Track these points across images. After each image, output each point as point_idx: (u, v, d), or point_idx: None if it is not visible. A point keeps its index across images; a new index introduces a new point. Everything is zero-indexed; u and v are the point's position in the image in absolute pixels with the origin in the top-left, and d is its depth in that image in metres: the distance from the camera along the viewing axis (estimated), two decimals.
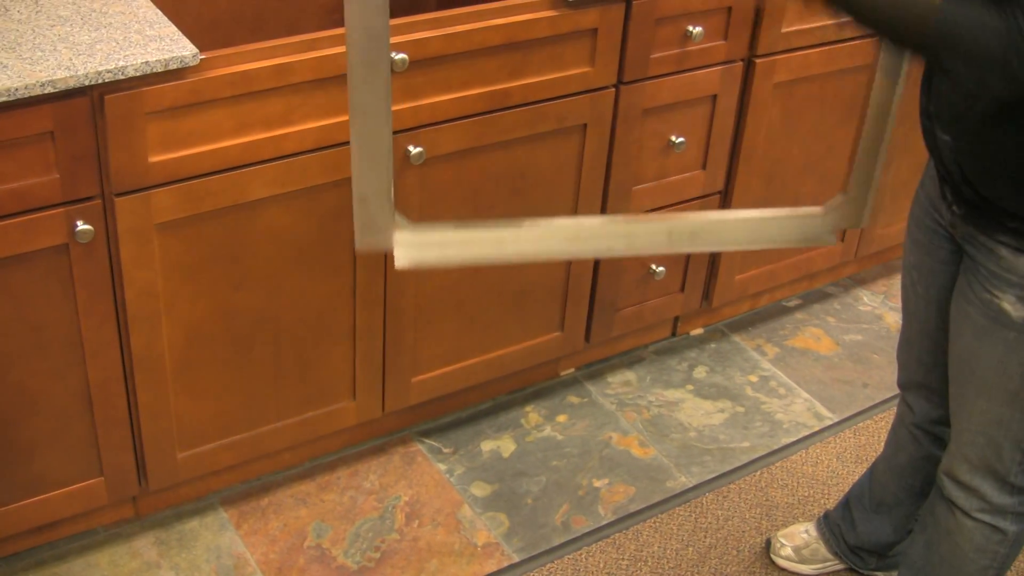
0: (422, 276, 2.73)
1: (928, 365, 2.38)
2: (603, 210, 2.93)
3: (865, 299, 3.69)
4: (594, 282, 3.04)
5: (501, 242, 1.98)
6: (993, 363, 2.08)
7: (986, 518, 2.22)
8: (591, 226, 2.10)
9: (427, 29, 2.46)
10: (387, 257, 2.64)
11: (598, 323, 3.12)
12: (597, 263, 2.99)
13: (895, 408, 2.56)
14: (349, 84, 1.75)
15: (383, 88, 1.76)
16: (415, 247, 1.91)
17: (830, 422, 3.20)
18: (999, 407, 2.11)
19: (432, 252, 1.95)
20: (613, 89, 2.77)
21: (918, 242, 2.26)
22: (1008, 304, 2.01)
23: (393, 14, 2.20)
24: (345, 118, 2.43)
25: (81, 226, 2.26)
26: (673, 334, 3.46)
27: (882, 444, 2.63)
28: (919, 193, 2.27)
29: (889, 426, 2.65)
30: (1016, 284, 2.00)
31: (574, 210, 2.87)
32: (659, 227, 2.06)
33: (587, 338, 3.14)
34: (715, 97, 2.95)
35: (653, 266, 3.11)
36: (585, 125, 2.77)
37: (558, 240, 2.03)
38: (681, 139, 2.93)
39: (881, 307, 3.65)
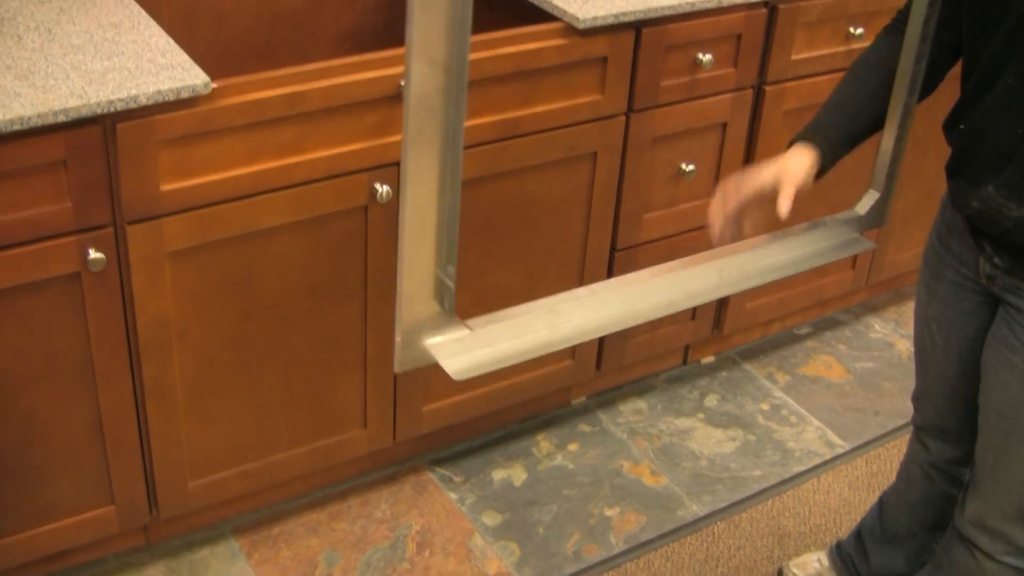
0: None
1: (945, 410, 2.35)
2: (614, 237, 2.93)
3: (876, 326, 3.69)
4: None
5: (555, 324, 1.81)
6: None
7: (1012, 560, 2.18)
8: (640, 282, 1.92)
9: None
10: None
11: (609, 351, 3.12)
12: None
13: (906, 437, 2.55)
14: (404, 152, 1.53)
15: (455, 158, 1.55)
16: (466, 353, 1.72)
17: (842, 450, 3.19)
18: None
19: (485, 353, 1.75)
20: (623, 117, 2.77)
21: (937, 294, 2.23)
22: None
23: (404, 43, 2.19)
24: (356, 146, 2.43)
25: (93, 254, 2.26)
26: (684, 362, 3.46)
27: (895, 472, 2.62)
28: (935, 245, 2.23)
29: (902, 454, 2.64)
30: None
31: (585, 238, 2.87)
32: (709, 269, 1.97)
33: (598, 366, 3.14)
34: (725, 125, 2.95)
35: None
36: (595, 153, 2.77)
37: (614, 307, 1.86)
38: (691, 167, 2.94)
39: (892, 334, 3.65)
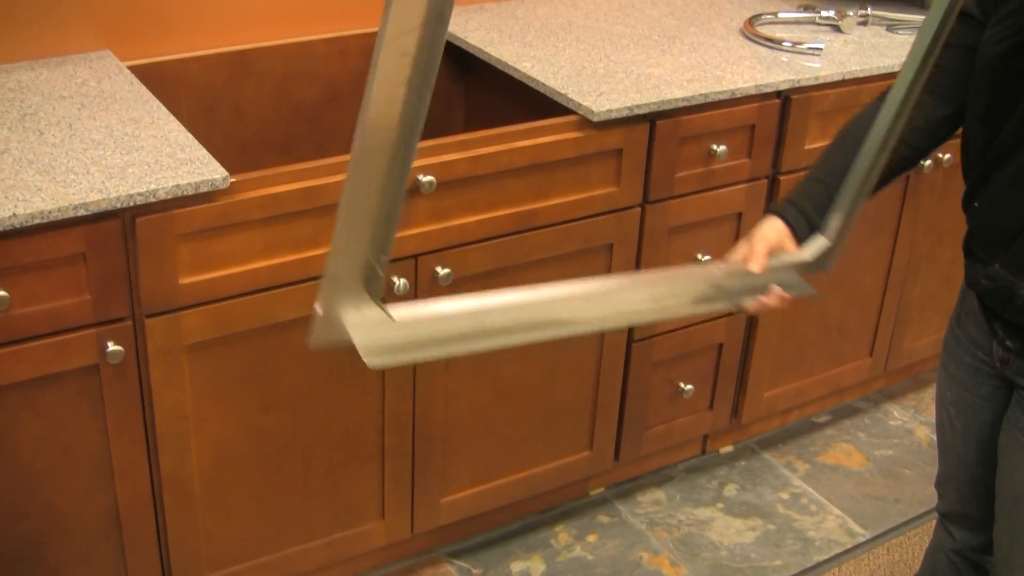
0: (451, 397, 2.73)
1: (967, 497, 2.33)
2: (631, 328, 2.93)
3: (895, 413, 3.67)
4: (623, 401, 3.04)
5: (480, 322, 1.77)
6: None
7: None
8: (574, 294, 1.87)
9: (454, 151, 2.49)
10: (416, 378, 2.65)
11: (627, 442, 3.12)
12: (625, 382, 3.00)
13: (929, 524, 2.53)
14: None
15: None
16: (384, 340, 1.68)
17: (863, 539, 3.17)
18: None
19: (404, 341, 1.72)
20: (639, 208, 2.79)
21: (956, 378, 2.22)
22: None
23: (420, 137, 2.21)
24: None
25: (112, 347, 2.28)
26: (703, 452, 3.45)
27: (917, 561, 2.60)
28: (955, 331, 2.22)
29: (924, 543, 2.62)
30: None
31: (600, 329, 2.87)
32: (644, 292, 1.95)
33: (616, 457, 3.13)
34: (740, 215, 2.97)
35: (681, 384, 3.11)
36: (611, 244, 2.78)
37: (541, 313, 1.83)
38: (707, 257, 2.95)
39: (912, 421, 3.64)
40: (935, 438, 2.39)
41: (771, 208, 2.11)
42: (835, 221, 2.05)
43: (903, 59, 1.99)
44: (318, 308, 1.64)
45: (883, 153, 1.97)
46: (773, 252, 2.03)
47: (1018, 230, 1.92)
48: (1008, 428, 2.10)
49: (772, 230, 2.05)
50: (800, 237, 2.07)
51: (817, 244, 2.07)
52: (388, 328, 1.68)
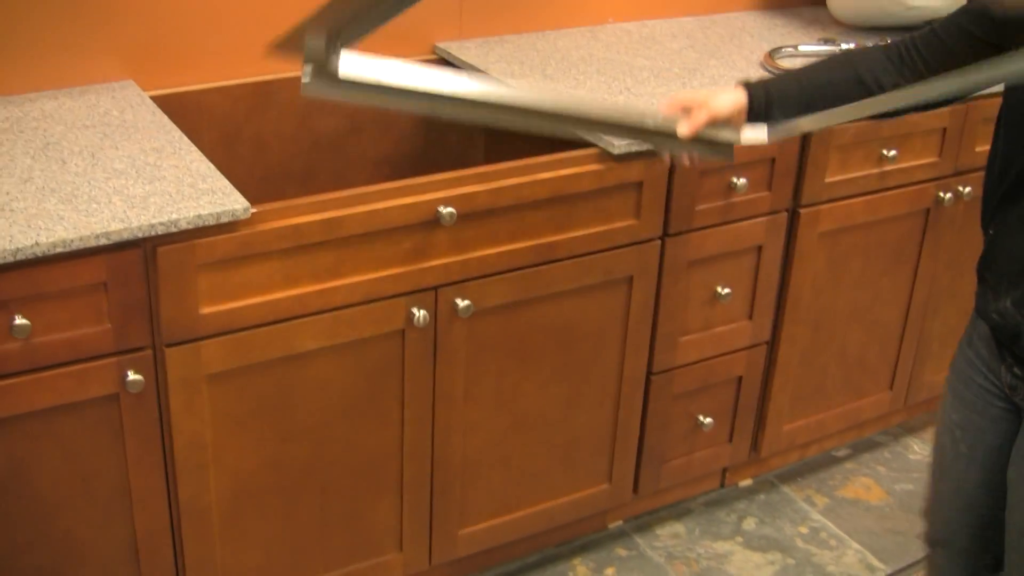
0: (469, 428, 2.73)
1: (956, 524, 2.32)
2: (650, 361, 2.93)
3: (915, 447, 3.66)
4: (642, 433, 3.03)
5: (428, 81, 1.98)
6: None
7: None
8: (527, 91, 2.08)
9: (475, 183, 2.49)
10: (435, 409, 2.66)
11: (646, 475, 3.11)
12: (645, 414, 2.99)
13: None
14: None
15: None
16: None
17: (883, 574, 3.16)
18: None
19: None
20: (659, 241, 2.79)
21: (964, 400, 2.21)
22: None
23: (441, 168, 2.24)
24: (393, 271, 2.45)
25: (131, 376, 2.28)
26: (722, 485, 3.44)
27: None
28: (966, 352, 2.22)
29: None
30: None
31: (621, 362, 2.87)
32: (617, 114, 2.12)
33: (635, 490, 3.13)
34: (760, 247, 2.97)
35: (701, 417, 3.11)
36: (631, 277, 2.78)
37: (481, 93, 2.02)
38: (727, 290, 2.95)
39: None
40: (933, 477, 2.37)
41: (745, 82, 2.23)
42: (784, 127, 2.17)
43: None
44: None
45: (864, 111, 2.06)
46: (712, 123, 2.19)
47: None
48: (1017, 460, 2.10)
49: (731, 103, 2.19)
50: (753, 118, 2.21)
51: (756, 134, 2.19)
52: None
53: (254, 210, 2.28)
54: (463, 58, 3.07)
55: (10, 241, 2.09)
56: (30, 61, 2.71)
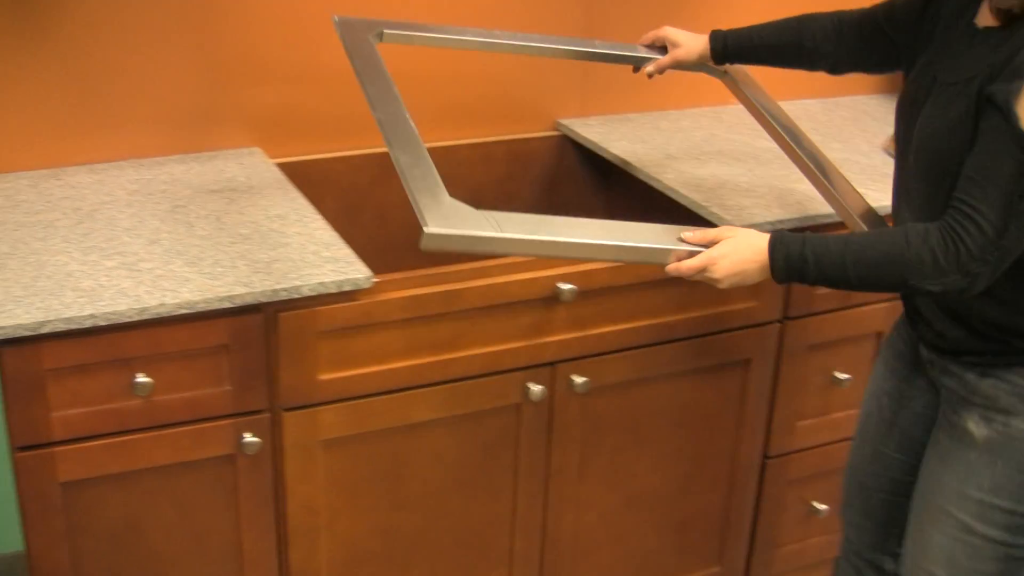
0: (582, 504, 2.72)
1: (871, 487, 2.43)
2: (766, 445, 2.90)
3: None
4: (755, 517, 3.00)
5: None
6: (954, 487, 2.12)
7: None
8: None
9: (595, 261, 2.49)
10: (548, 484, 2.65)
11: (758, 559, 3.07)
12: (759, 498, 2.96)
13: None
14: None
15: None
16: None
17: None
18: (952, 541, 2.13)
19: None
20: (778, 324, 2.76)
21: (895, 370, 2.35)
22: (972, 424, 2.09)
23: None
24: (511, 345, 2.46)
25: (248, 438, 2.30)
26: (835, 573, 3.38)
27: None
28: (899, 326, 2.37)
29: None
30: (979, 404, 2.08)
31: (736, 444, 2.85)
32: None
33: (746, 574, 3.09)
34: (879, 334, 2.93)
35: (815, 503, 3.06)
36: (749, 360, 2.76)
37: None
38: (846, 376, 2.91)
39: None
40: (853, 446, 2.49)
41: (713, 32, 2.54)
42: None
43: None
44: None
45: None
46: (676, 64, 2.61)
47: None
48: (933, 432, 2.23)
49: (696, 53, 2.57)
50: (716, 63, 2.58)
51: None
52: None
53: (376, 280, 2.30)
54: (585, 135, 3.09)
55: (136, 301, 2.13)
56: (161, 126, 2.77)
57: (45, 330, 2.07)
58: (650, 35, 2.64)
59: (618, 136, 3.09)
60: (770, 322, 2.75)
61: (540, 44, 2.67)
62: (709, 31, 2.55)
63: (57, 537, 2.27)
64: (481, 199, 3.06)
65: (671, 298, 2.60)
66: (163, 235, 2.39)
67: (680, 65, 2.61)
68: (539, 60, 3.02)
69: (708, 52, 2.54)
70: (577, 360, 2.55)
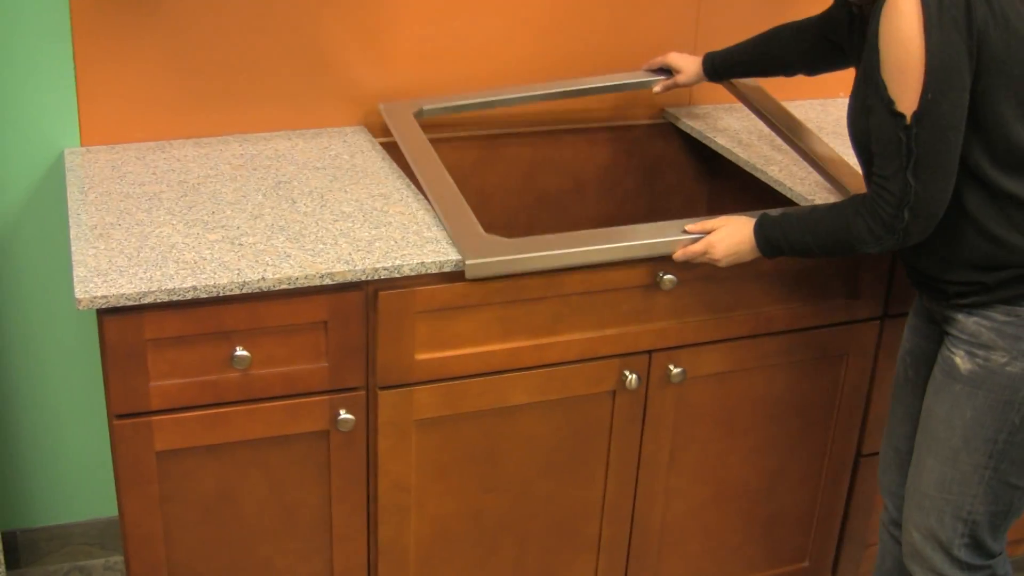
0: (672, 494, 2.71)
1: (904, 451, 2.55)
2: (860, 442, 2.87)
3: None
4: (845, 515, 2.97)
5: None
6: (942, 416, 2.29)
7: None
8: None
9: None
10: (638, 473, 2.64)
11: (847, 557, 3.05)
12: (850, 496, 2.93)
13: None
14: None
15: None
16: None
17: None
18: (942, 466, 2.30)
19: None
20: (877, 322, 2.74)
21: (917, 329, 2.48)
22: (959, 359, 2.26)
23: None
24: (609, 332, 2.45)
25: (343, 415, 2.32)
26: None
27: None
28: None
29: None
30: (966, 341, 2.25)
31: (829, 440, 2.83)
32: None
33: (834, 572, 3.06)
34: None
35: None
36: (846, 355, 2.74)
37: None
38: None
39: None
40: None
41: (706, 55, 2.87)
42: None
43: None
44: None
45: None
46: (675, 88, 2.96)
47: None
48: (933, 369, 2.37)
49: (693, 76, 2.91)
50: (711, 80, 2.90)
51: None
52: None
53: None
54: (691, 124, 3.07)
55: (238, 274, 2.15)
56: (268, 102, 2.79)
57: (147, 300, 2.10)
58: (657, 60, 2.97)
59: (724, 126, 3.07)
60: (870, 319, 2.72)
61: (558, 89, 2.95)
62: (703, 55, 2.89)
63: (151, 505, 2.30)
64: (583, 184, 3.06)
65: (769, 290, 2.58)
66: (266, 210, 2.41)
67: (682, 86, 2.96)
68: (647, 47, 3.03)
69: (703, 73, 2.88)
70: (674, 349, 2.54)
